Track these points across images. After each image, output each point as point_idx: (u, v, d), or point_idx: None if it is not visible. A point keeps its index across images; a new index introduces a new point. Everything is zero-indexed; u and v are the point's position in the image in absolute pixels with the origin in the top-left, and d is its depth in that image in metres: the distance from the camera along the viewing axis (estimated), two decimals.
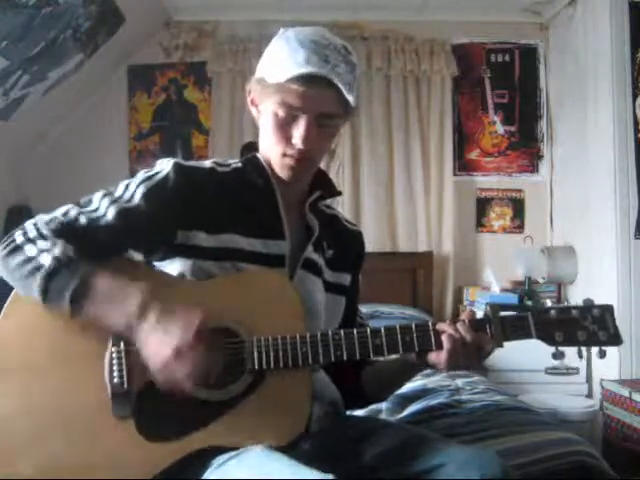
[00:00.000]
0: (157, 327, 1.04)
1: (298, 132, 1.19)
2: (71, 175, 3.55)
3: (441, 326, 1.16)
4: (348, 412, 1.40)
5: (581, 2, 3.37)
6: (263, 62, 1.24)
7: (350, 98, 1.18)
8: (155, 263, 1.24)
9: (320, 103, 1.19)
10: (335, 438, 1.22)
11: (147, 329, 1.05)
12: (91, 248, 1.12)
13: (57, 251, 1.07)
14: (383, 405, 1.81)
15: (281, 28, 1.24)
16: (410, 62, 3.72)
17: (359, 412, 1.52)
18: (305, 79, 1.14)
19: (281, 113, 1.19)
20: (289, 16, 3.28)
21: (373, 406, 1.76)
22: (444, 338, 1.15)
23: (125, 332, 1.07)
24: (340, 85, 1.15)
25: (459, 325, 1.16)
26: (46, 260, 1.06)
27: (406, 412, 1.77)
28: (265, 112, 1.23)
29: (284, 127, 1.20)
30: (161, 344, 1.04)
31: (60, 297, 1.06)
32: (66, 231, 1.11)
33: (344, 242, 1.39)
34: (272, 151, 1.24)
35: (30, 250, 1.08)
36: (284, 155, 1.22)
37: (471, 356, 1.16)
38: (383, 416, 1.76)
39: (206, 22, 3.81)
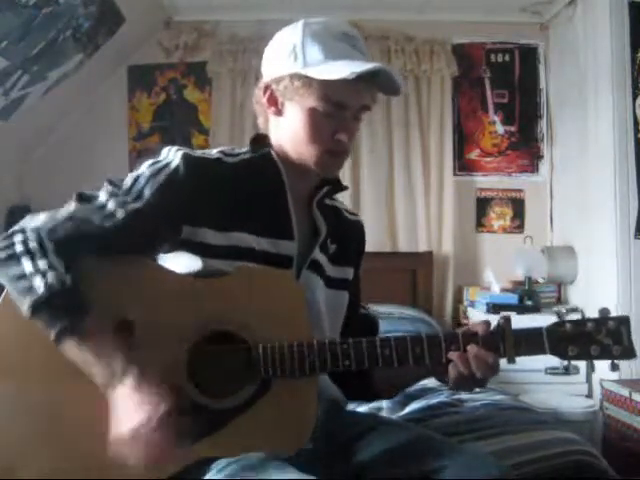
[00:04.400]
0: (131, 396, 1.01)
1: (344, 127, 1.19)
2: (71, 175, 3.55)
3: (451, 355, 1.13)
4: (349, 408, 1.40)
5: (581, 2, 3.36)
6: (289, 57, 1.19)
7: (402, 84, 1.19)
8: (161, 255, 1.20)
9: (363, 97, 1.20)
10: (335, 436, 1.22)
11: (121, 395, 1.02)
12: (97, 252, 1.09)
13: (52, 278, 1.02)
14: (384, 403, 1.81)
15: (302, 20, 1.22)
16: (410, 62, 3.71)
17: (360, 409, 1.52)
18: (357, 75, 1.12)
19: (322, 109, 1.17)
20: (289, 16, 3.26)
21: (374, 404, 1.76)
22: (451, 369, 1.12)
23: (101, 386, 1.04)
24: (394, 75, 1.17)
25: (471, 355, 1.12)
26: (39, 285, 1.02)
27: (407, 410, 1.77)
28: (297, 109, 1.20)
29: (325, 123, 1.18)
30: (130, 415, 1.00)
31: (46, 329, 1.02)
32: (70, 242, 1.07)
33: (346, 235, 1.37)
34: (309, 149, 1.20)
35: (27, 265, 1.04)
36: (327, 152, 1.20)
37: (477, 382, 1.14)
38: (384, 414, 1.76)
39: (206, 22, 3.80)
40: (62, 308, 1.03)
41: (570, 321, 1.15)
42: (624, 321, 1.14)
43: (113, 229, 1.10)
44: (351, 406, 1.45)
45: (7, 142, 3.33)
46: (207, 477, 1.05)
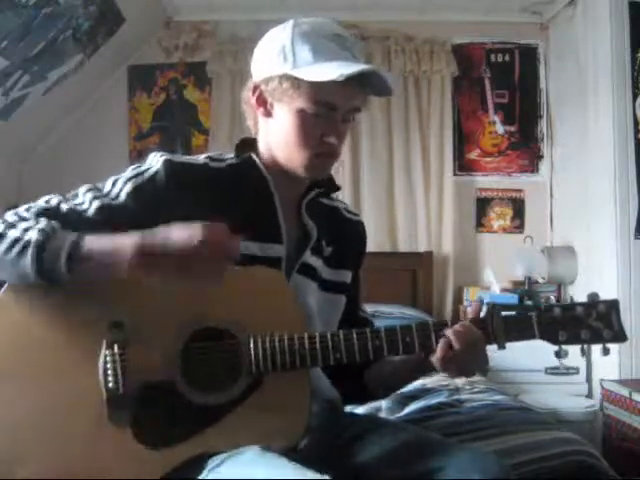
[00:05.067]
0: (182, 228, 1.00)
1: (333, 129, 1.18)
2: (71, 175, 3.53)
3: (446, 332, 1.13)
4: (348, 409, 1.40)
5: (581, 2, 3.36)
6: (278, 58, 1.18)
7: (392, 85, 1.18)
8: None
9: (353, 98, 1.19)
10: (333, 436, 1.22)
11: (161, 232, 1.01)
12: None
13: (42, 224, 1.04)
14: (383, 404, 1.81)
15: (291, 20, 1.22)
16: (410, 62, 3.72)
17: (358, 410, 1.52)
18: (346, 77, 1.11)
19: (311, 110, 1.16)
20: (289, 16, 3.25)
21: (373, 404, 1.76)
22: (439, 344, 1.12)
23: (134, 267, 1.00)
24: (384, 75, 1.16)
25: (458, 326, 1.13)
26: (32, 235, 1.02)
27: (406, 411, 1.77)
28: (286, 110, 1.19)
29: (314, 125, 1.18)
30: (187, 228, 0.99)
31: (56, 262, 1.00)
32: (47, 214, 1.09)
33: (345, 236, 1.36)
34: (298, 152, 1.20)
35: (14, 233, 1.04)
36: (316, 155, 1.19)
37: (469, 363, 1.14)
38: (383, 415, 1.76)
39: (206, 22, 3.80)
40: (62, 237, 1.02)
41: (559, 305, 1.16)
42: (614, 305, 1.15)
43: (85, 219, 1.11)
44: (349, 407, 1.45)
45: (7, 142, 3.33)
46: (203, 473, 1.05)
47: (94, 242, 1.03)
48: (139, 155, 3.79)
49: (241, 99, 1.31)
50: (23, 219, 1.08)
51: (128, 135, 3.84)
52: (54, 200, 1.14)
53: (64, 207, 1.12)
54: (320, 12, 3.46)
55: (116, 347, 1.06)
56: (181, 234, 0.99)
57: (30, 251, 1.01)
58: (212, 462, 1.05)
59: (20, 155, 3.62)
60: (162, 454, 1.05)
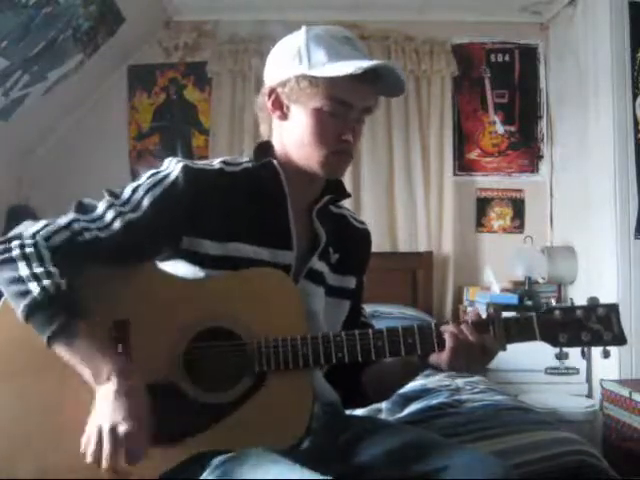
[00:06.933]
0: (108, 400, 1.01)
1: (349, 127, 1.20)
2: (71, 175, 3.56)
3: (445, 327, 1.16)
4: (348, 412, 1.40)
5: (581, 2, 3.36)
6: (294, 60, 1.20)
7: (405, 82, 1.22)
8: (158, 262, 1.21)
9: (367, 97, 1.22)
10: (335, 437, 1.22)
11: (101, 395, 1.03)
12: (92, 262, 1.10)
13: (48, 282, 1.04)
14: (383, 405, 1.81)
15: (303, 26, 1.24)
16: (410, 62, 3.71)
17: (359, 412, 1.52)
18: (359, 74, 1.14)
19: (328, 108, 1.18)
20: (289, 16, 3.28)
21: (373, 405, 1.76)
22: (447, 337, 1.14)
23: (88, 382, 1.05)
24: (399, 71, 1.19)
25: (463, 326, 1.15)
26: (35, 289, 1.03)
27: (406, 412, 1.77)
28: (302, 110, 1.21)
29: (331, 123, 1.19)
30: (106, 413, 1.01)
31: (39, 332, 1.04)
32: (65, 250, 1.09)
33: (351, 244, 1.37)
34: (315, 151, 1.21)
35: (22, 269, 1.05)
36: (333, 153, 1.21)
37: (474, 358, 1.15)
38: (383, 416, 1.76)
39: (206, 22, 3.81)
40: (56, 312, 1.04)
41: (559, 308, 1.17)
42: (613, 308, 1.17)
43: (109, 240, 1.11)
44: (348, 410, 1.45)
45: (7, 142, 3.32)
46: (205, 474, 1.05)
47: (78, 341, 1.04)
48: (139, 155, 3.80)
49: (251, 98, 1.32)
50: (38, 257, 1.07)
51: (128, 135, 3.83)
52: (76, 225, 1.12)
53: (86, 236, 1.11)
54: (320, 12, 3.47)
55: (120, 347, 1.07)
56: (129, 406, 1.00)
57: (24, 303, 1.03)
58: (215, 461, 1.05)
59: (20, 155, 3.62)
60: (165, 452, 1.06)
